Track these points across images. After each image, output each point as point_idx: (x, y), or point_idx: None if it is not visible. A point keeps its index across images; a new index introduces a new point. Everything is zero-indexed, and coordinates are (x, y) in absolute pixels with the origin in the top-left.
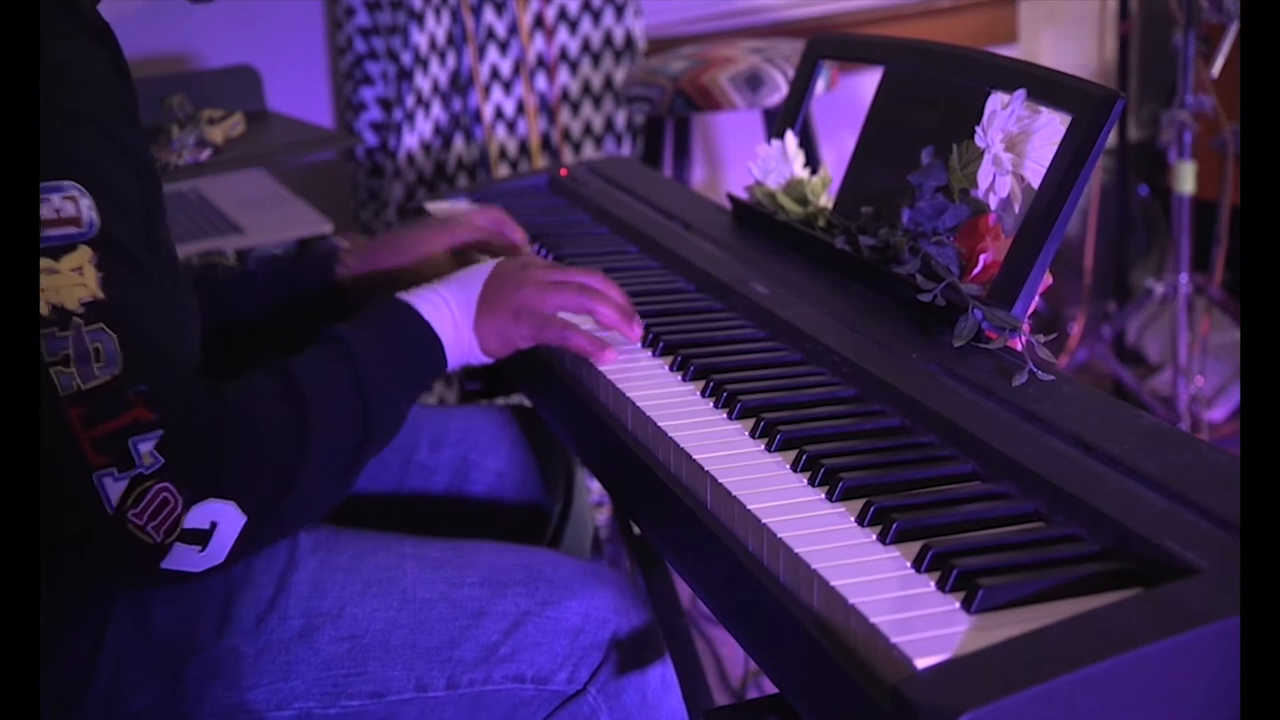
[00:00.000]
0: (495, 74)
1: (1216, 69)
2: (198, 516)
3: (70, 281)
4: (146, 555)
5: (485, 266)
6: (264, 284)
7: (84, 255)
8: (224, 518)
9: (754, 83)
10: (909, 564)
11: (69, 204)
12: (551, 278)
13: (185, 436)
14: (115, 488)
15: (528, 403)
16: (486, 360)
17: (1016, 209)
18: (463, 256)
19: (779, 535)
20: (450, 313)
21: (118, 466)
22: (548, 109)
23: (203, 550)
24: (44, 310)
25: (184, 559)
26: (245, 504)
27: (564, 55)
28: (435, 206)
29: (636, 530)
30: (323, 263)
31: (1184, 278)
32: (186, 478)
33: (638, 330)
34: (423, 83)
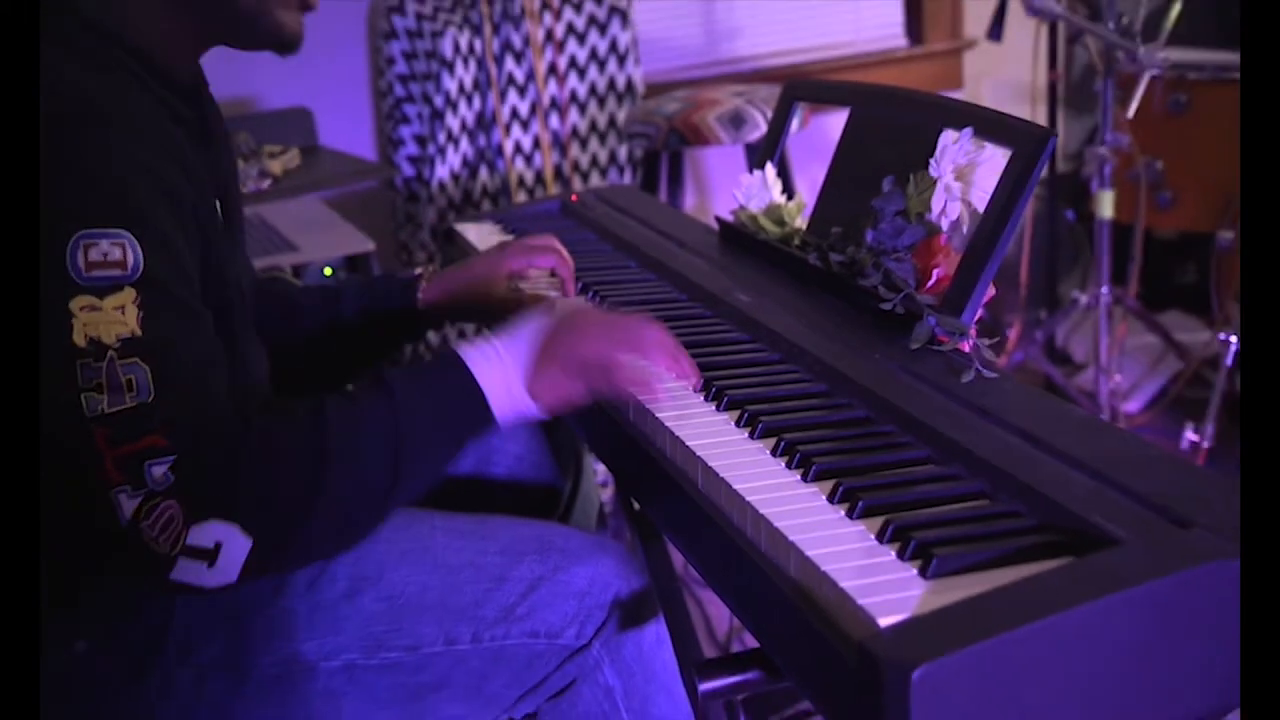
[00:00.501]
0: (515, 114)
1: (1131, 111)
2: (201, 535)
3: (111, 319)
4: (155, 565)
5: (545, 317)
6: (350, 299)
7: (128, 296)
8: (228, 539)
9: (737, 122)
10: (873, 536)
11: (116, 249)
12: (617, 334)
13: (197, 461)
14: (129, 504)
15: None
16: (540, 416)
17: (965, 230)
18: (519, 284)
19: (761, 511)
20: (501, 367)
21: (132, 485)
22: (560, 144)
23: (211, 567)
24: (81, 342)
25: (192, 573)
26: (249, 528)
27: (574, 98)
28: (463, 227)
29: (637, 506)
30: (402, 286)
31: (1105, 289)
32: (191, 498)
33: (696, 380)
34: (453, 122)
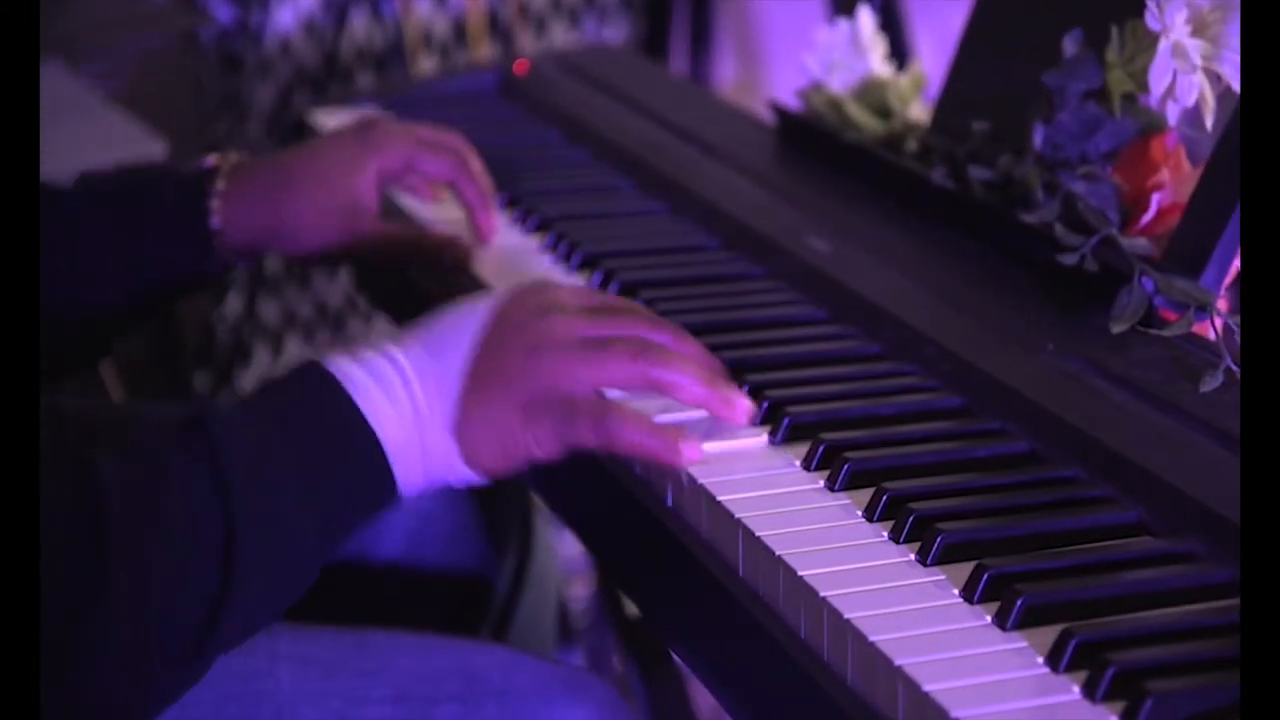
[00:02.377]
0: None
1: None
2: None
3: None
4: None
5: (478, 312)
6: (79, 210)
7: None
8: None
9: None
10: (1041, 660)
11: None
12: (592, 330)
13: None
14: None
15: None
16: (476, 479)
17: (1209, 124)
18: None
19: (846, 617)
20: (411, 400)
21: None
22: None
23: None
24: None
25: None
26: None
27: None
28: (325, 116)
29: (632, 610)
30: (180, 187)
31: None
32: None
33: (743, 406)
34: None
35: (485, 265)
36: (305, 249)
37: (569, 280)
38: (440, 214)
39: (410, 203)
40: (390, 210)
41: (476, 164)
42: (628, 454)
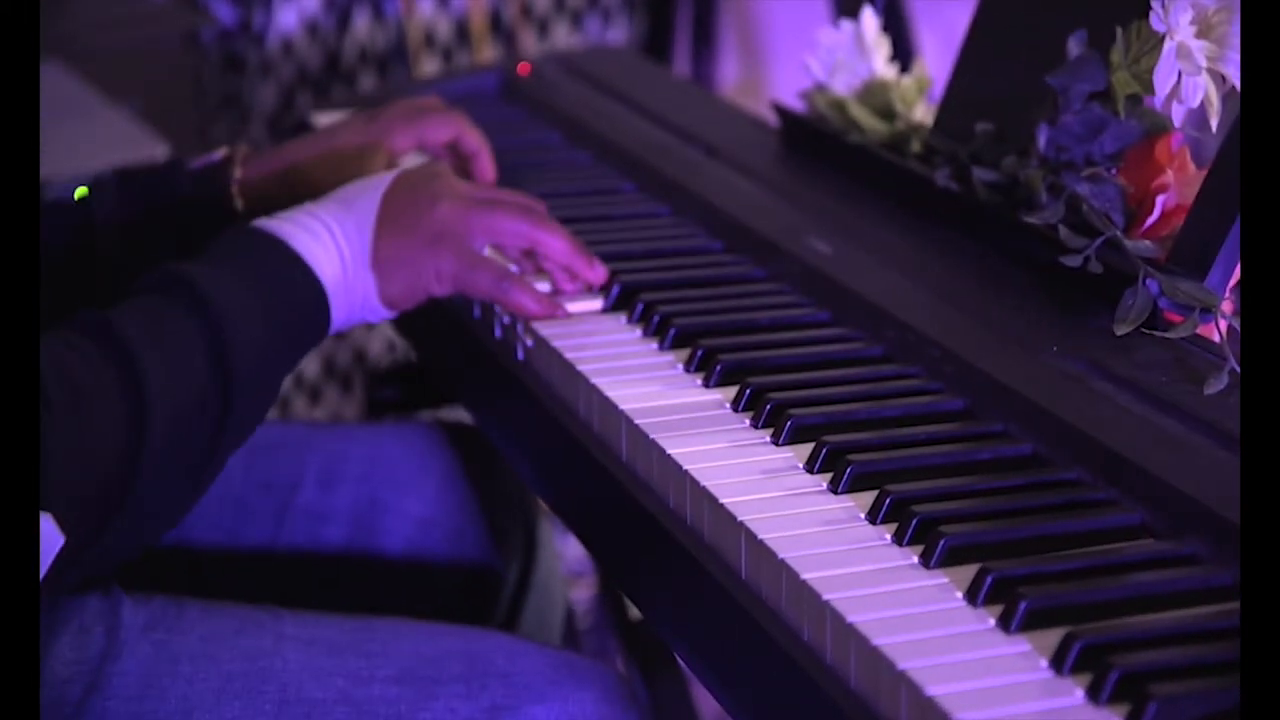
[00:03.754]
0: None
1: None
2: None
3: None
4: None
5: (382, 177)
6: (110, 202)
7: None
8: (45, 533)
9: None
10: (1045, 662)
11: None
12: (480, 194)
13: None
14: None
15: (467, 418)
16: (387, 314)
17: (1214, 126)
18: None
19: (849, 620)
20: (335, 244)
21: None
22: None
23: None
24: None
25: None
26: (64, 520)
27: None
28: (327, 119)
29: (634, 613)
30: (197, 178)
31: None
32: None
33: (599, 272)
34: None
35: None
36: None
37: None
38: None
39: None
40: None
41: (473, 129)
42: (507, 306)
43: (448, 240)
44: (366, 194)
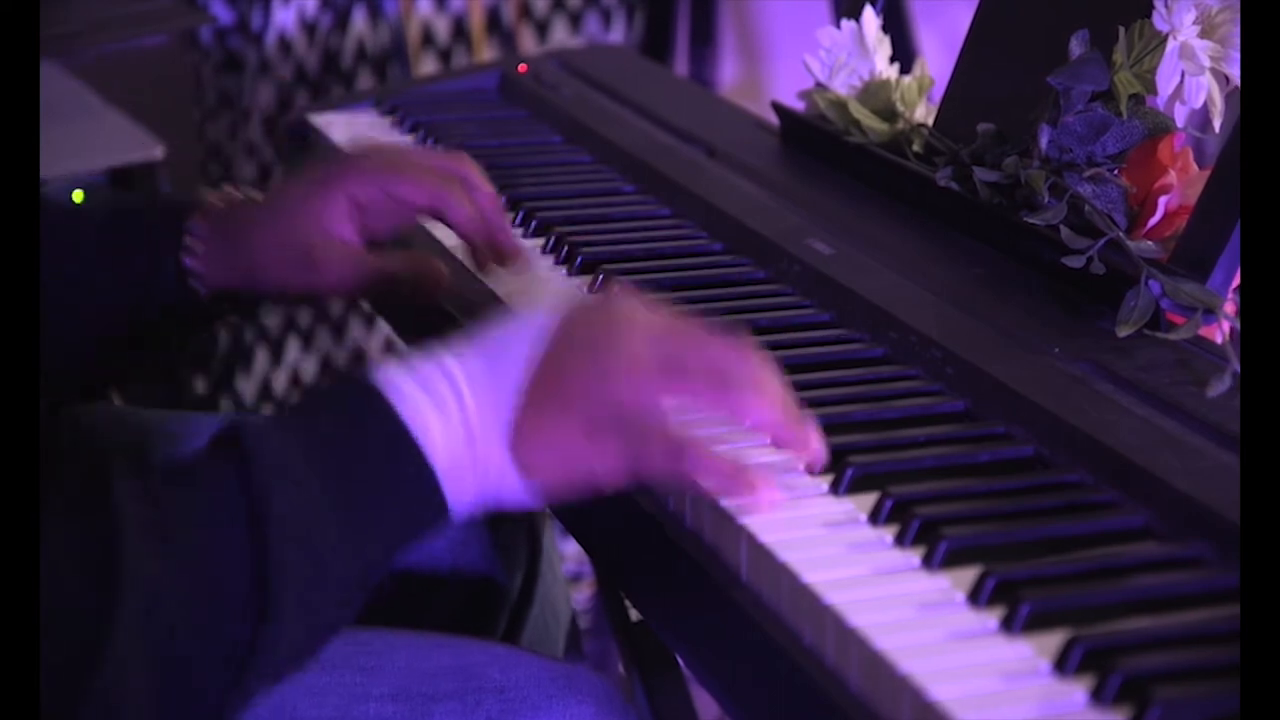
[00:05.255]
0: None
1: None
2: None
3: None
4: None
5: (539, 320)
6: (87, 235)
7: None
8: None
9: None
10: (1046, 662)
11: None
12: (665, 349)
13: None
14: None
15: None
16: (530, 504)
17: (1217, 126)
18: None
19: (850, 623)
20: (461, 413)
21: None
22: None
23: None
24: None
25: None
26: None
27: None
28: (325, 120)
29: (634, 614)
30: (167, 222)
31: None
32: None
33: (816, 447)
34: None
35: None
36: (284, 290)
37: (570, 282)
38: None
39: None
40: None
41: (478, 187)
42: (701, 490)
43: (613, 424)
44: (518, 343)
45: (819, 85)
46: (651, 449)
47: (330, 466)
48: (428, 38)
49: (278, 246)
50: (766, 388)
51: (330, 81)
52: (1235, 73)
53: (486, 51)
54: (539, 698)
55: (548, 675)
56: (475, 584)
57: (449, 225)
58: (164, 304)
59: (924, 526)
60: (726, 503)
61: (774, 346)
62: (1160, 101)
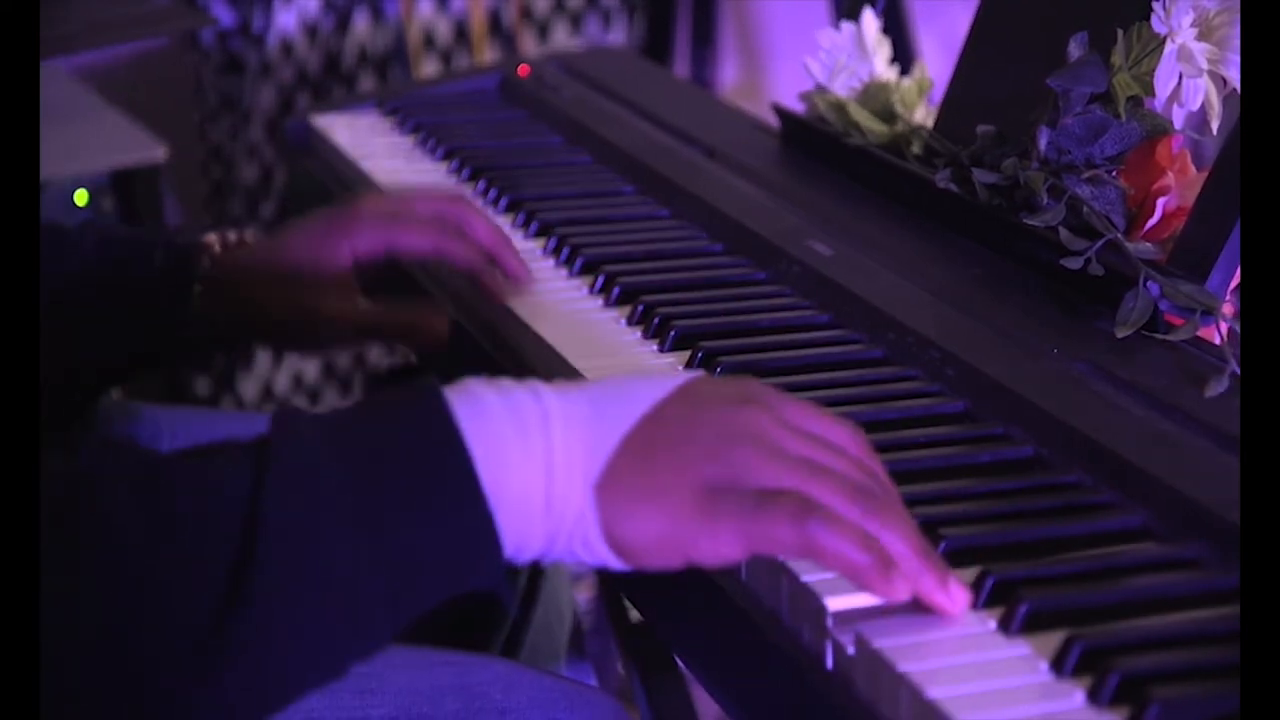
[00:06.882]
0: None
1: None
2: None
3: None
4: None
5: (662, 378)
6: (85, 259)
7: None
8: None
9: None
10: (1046, 663)
11: None
12: (797, 448)
13: None
14: None
15: None
16: (614, 563)
17: (1215, 128)
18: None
19: (849, 624)
20: (544, 444)
21: None
22: None
23: None
24: None
25: None
26: None
27: None
28: (327, 122)
29: (634, 615)
30: (169, 262)
31: None
32: None
33: (959, 594)
34: None
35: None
36: (290, 342)
37: (571, 283)
38: None
39: None
40: None
41: (478, 227)
42: (828, 566)
43: (730, 494)
44: (633, 395)
45: (819, 87)
46: (776, 516)
47: (364, 478)
48: (429, 40)
49: (278, 305)
50: (902, 521)
51: (331, 83)
52: (1232, 75)
53: (487, 53)
54: (539, 717)
55: (548, 693)
56: (477, 595)
57: (452, 264)
58: (164, 351)
59: (922, 527)
60: None
61: (772, 347)
62: (1158, 103)
